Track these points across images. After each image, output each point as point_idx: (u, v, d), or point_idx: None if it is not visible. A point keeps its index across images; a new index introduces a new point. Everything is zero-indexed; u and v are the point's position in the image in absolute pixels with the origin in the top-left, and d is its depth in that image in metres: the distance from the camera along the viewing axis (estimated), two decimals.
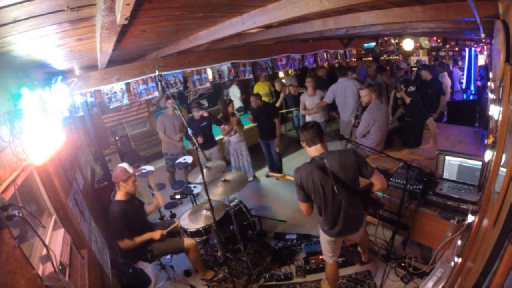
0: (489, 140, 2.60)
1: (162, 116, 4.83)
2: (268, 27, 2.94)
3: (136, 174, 2.84)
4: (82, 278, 1.97)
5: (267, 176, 5.35)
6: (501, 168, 1.34)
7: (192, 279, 3.21)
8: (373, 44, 9.92)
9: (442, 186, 2.63)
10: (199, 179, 2.65)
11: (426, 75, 5.28)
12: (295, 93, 6.38)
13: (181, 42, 2.93)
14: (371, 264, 2.97)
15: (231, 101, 4.81)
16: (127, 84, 3.92)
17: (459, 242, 2.12)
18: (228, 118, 4.70)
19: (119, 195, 2.75)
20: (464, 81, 8.03)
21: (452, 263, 1.95)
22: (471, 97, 7.33)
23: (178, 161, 4.21)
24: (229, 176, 2.95)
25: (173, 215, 3.57)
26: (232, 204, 3.59)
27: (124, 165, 2.77)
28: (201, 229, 3.08)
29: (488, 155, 2.01)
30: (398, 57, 9.98)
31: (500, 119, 1.70)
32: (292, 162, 5.77)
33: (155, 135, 4.99)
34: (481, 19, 1.85)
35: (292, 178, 2.20)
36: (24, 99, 1.78)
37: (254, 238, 3.55)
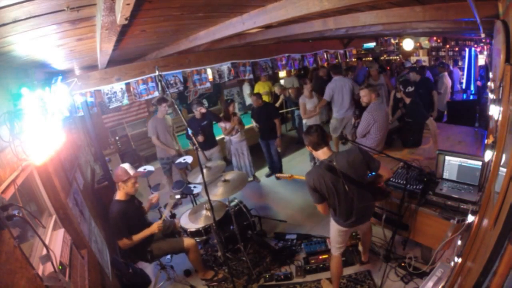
0: (489, 140, 2.59)
1: (153, 119, 4.63)
2: (268, 27, 2.94)
3: (137, 176, 2.82)
4: (82, 278, 1.97)
5: (268, 175, 5.39)
6: (501, 168, 1.34)
7: (192, 279, 3.21)
8: (373, 44, 9.92)
9: (442, 186, 2.63)
10: (199, 179, 2.65)
11: (414, 76, 5.35)
12: (295, 97, 6.39)
13: (181, 42, 2.93)
14: (371, 264, 2.97)
15: (232, 100, 4.80)
16: (127, 84, 3.92)
17: (459, 242, 2.12)
18: (229, 118, 4.70)
19: (119, 195, 2.75)
20: (464, 81, 8.04)
21: (452, 263, 1.95)
22: (471, 97, 7.33)
23: (178, 161, 4.21)
24: (229, 176, 2.95)
25: (173, 215, 3.57)
26: (232, 204, 3.58)
27: (126, 166, 2.76)
28: (201, 229, 3.08)
29: (488, 155, 2.01)
30: (398, 57, 10.00)
31: (500, 119, 1.70)
32: (292, 162, 5.77)
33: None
34: (481, 19, 1.85)
35: (301, 177, 2.28)
36: (24, 99, 1.78)
37: (254, 238, 3.55)
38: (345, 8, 1.81)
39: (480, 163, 2.50)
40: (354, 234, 3.17)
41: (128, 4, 0.96)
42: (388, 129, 3.75)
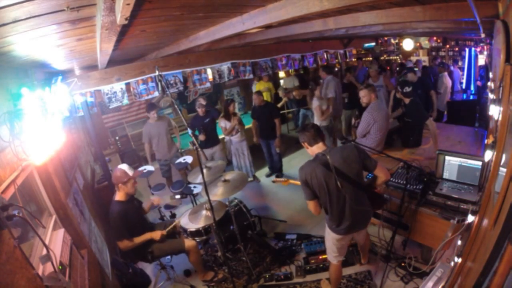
0: (489, 140, 2.59)
1: (146, 125, 4.69)
2: (268, 27, 2.94)
3: (136, 176, 2.83)
4: (82, 278, 1.97)
5: (268, 175, 5.39)
6: (501, 168, 1.34)
7: (192, 279, 3.21)
8: (373, 44, 9.92)
9: (442, 186, 2.63)
10: (199, 179, 2.65)
11: (412, 77, 5.34)
12: (299, 97, 6.39)
13: (181, 42, 2.93)
14: (371, 264, 2.97)
15: (232, 100, 4.80)
16: (127, 84, 3.92)
17: (459, 242, 2.12)
18: (230, 117, 4.70)
19: (119, 196, 2.75)
20: (464, 81, 8.04)
21: (452, 263, 1.95)
22: (471, 97, 7.34)
23: (177, 161, 4.21)
24: (229, 176, 2.95)
25: (173, 215, 3.58)
26: (232, 204, 3.58)
27: (124, 167, 2.76)
28: (201, 229, 3.08)
29: (488, 155, 2.01)
30: (398, 57, 10.00)
31: (500, 119, 1.70)
32: (292, 162, 5.77)
33: None
34: (481, 19, 1.85)
35: (297, 182, 2.23)
36: (24, 99, 1.78)
37: (254, 238, 3.55)
38: (345, 8, 1.81)
39: (480, 163, 2.50)
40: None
41: (128, 4, 0.96)
42: (388, 129, 3.75)
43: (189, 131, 2.18)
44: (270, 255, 3.34)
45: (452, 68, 7.27)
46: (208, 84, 4.69)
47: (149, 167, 3.84)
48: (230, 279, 2.76)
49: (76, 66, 3.31)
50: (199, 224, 2.85)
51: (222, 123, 4.78)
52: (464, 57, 8.31)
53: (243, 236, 3.36)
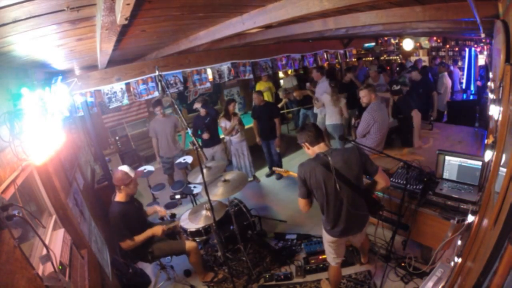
0: (489, 140, 2.59)
1: (153, 121, 4.79)
2: (268, 27, 2.94)
3: (138, 176, 2.84)
4: (82, 278, 1.97)
5: (268, 175, 5.39)
6: (501, 168, 1.34)
7: (192, 279, 3.21)
8: (373, 44, 9.93)
9: (442, 186, 2.63)
10: (199, 179, 2.65)
11: (416, 76, 5.35)
12: (300, 98, 6.40)
13: (181, 42, 2.93)
14: (371, 264, 2.97)
15: (232, 100, 4.80)
16: (127, 84, 3.92)
17: (459, 242, 2.12)
18: (230, 117, 4.70)
19: (119, 197, 2.75)
20: (464, 81, 8.04)
21: (452, 263, 1.95)
22: (471, 97, 7.33)
23: (178, 161, 4.21)
24: (229, 176, 2.94)
25: (173, 215, 3.57)
26: (232, 204, 3.58)
27: (125, 168, 2.75)
28: (201, 229, 3.08)
29: (488, 155, 2.01)
30: (398, 57, 10.00)
31: (500, 119, 1.70)
32: (292, 162, 5.77)
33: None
34: (481, 19, 1.85)
35: (296, 175, 2.21)
36: (24, 99, 1.78)
37: (254, 238, 3.55)
38: (345, 8, 1.81)
39: (480, 163, 2.50)
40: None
41: (128, 4, 0.96)
42: (388, 129, 3.75)
43: (189, 131, 2.18)
44: (270, 255, 3.34)
45: (452, 68, 7.27)
46: (208, 84, 4.69)
47: (149, 167, 3.84)
48: (230, 279, 2.76)
49: (76, 66, 3.31)
50: (199, 224, 2.84)
51: (222, 123, 4.78)
52: (464, 57, 8.31)
53: (243, 236, 3.35)
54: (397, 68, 8.19)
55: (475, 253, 1.49)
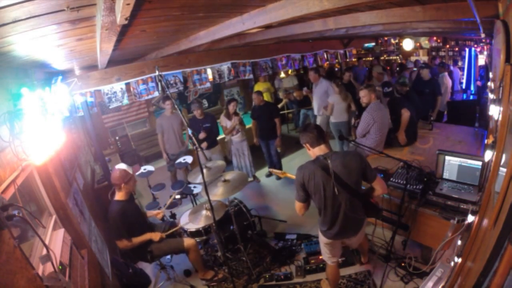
0: (489, 140, 2.60)
1: (160, 117, 4.84)
2: (268, 27, 2.94)
3: (136, 173, 2.85)
4: (82, 278, 1.97)
5: (268, 175, 5.39)
6: (501, 168, 1.34)
7: (192, 279, 3.21)
8: (372, 44, 9.94)
9: (442, 186, 2.63)
10: (199, 179, 2.65)
11: (425, 74, 5.28)
12: (300, 98, 6.39)
13: (181, 42, 2.93)
14: (371, 264, 2.97)
15: (233, 100, 4.79)
16: (127, 84, 3.93)
17: (459, 242, 2.12)
18: (230, 117, 4.69)
19: (119, 195, 2.75)
20: (464, 81, 8.04)
21: (452, 263, 1.95)
22: (471, 97, 7.33)
23: (178, 161, 4.22)
24: (229, 176, 2.95)
25: (173, 215, 3.58)
26: (232, 204, 3.58)
27: (123, 166, 2.76)
28: (201, 229, 3.08)
29: (488, 155, 2.01)
30: (397, 57, 10.01)
31: (500, 119, 1.70)
32: (292, 162, 5.77)
33: (155, 135, 5.00)
34: (481, 19, 1.85)
35: (293, 176, 2.19)
36: (24, 99, 1.78)
37: (254, 238, 3.55)
38: (345, 8, 1.81)
39: (480, 163, 2.49)
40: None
41: (128, 4, 0.96)
42: (388, 129, 3.75)
43: (189, 131, 2.18)
44: (270, 255, 3.34)
45: (452, 68, 7.27)
46: (208, 84, 4.70)
47: (149, 167, 3.84)
48: (230, 279, 2.76)
49: (76, 66, 3.31)
50: (199, 224, 2.84)
51: (223, 122, 4.78)
52: (464, 57, 8.31)
53: (243, 236, 3.36)
54: (397, 68, 8.19)
55: (475, 253, 1.49)
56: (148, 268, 3.34)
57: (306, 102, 6.44)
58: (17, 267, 1.32)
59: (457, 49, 9.01)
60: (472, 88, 7.84)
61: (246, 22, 2.03)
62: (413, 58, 9.48)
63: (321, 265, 3.03)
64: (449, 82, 6.11)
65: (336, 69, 8.59)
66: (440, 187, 2.61)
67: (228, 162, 5.28)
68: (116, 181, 2.70)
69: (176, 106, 2.94)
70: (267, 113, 4.80)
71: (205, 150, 4.70)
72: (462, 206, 2.36)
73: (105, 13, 1.09)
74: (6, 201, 1.38)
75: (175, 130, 4.75)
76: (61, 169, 2.58)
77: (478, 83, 7.19)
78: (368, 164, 2.11)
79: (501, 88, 1.59)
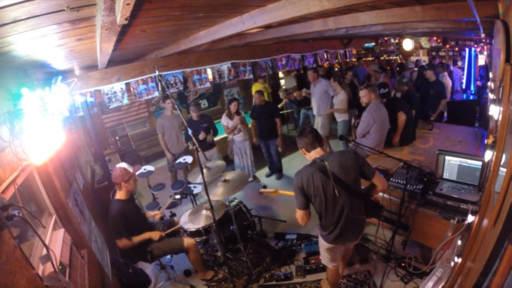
0: (489, 140, 2.60)
1: (161, 118, 4.83)
2: (268, 27, 2.94)
3: (136, 172, 2.85)
4: (82, 278, 1.97)
5: (268, 175, 5.39)
6: (501, 168, 1.34)
7: (192, 279, 3.21)
8: (372, 43, 9.94)
9: (442, 186, 2.63)
10: (199, 179, 2.65)
11: (430, 75, 5.23)
12: (300, 98, 6.39)
13: (181, 42, 2.93)
14: (371, 264, 2.97)
15: (234, 99, 4.79)
16: (127, 84, 3.93)
17: (459, 242, 2.12)
18: (231, 116, 4.69)
19: (120, 194, 2.75)
20: (464, 81, 8.03)
21: (452, 263, 1.95)
22: (471, 97, 7.33)
23: (178, 161, 4.22)
24: (229, 176, 2.94)
25: (173, 215, 3.58)
26: (232, 204, 3.58)
27: (124, 165, 2.78)
28: (201, 229, 3.08)
29: (488, 155, 2.01)
30: (398, 57, 10.01)
31: (500, 119, 1.70)
32: (292, 162, 5.77)
33: (155, 135, 5.00)
34: (481, 19, 1.85)
35: (287, 193, 2.15)
36: (24, 99, 1.78)
37: (254, 238, 3.55)
38: (345, 8, 1.81)
39: (480, 163, 2.49)
40: None
41: (128, 4, 0.96)
42: (388, 129, 3.74)
43: (189, 131, 2.18)
44: (270, 255, 3.34)
45: (452, 68, 7.26)
46: (208, 84, 4.70)
47: (149, 167, 3.84)
48: (230, 279, 2.76)
49: (76, 66, 3.31)
50: (199, 224, 2.84)
51: (224, 122, 4.78)
52: (464, 57, 8.30)
53: (243, 236, 3.36)
54: (397, 68, 8.19)
55: (475, 253, 1.49)
56: (148, 268, 3.34)
57: (306, 102, 6.45)
58: (17, 267, 1.32)
59: (457, 49, 9.01)
60: (472, 88, 7.84)
61: (246, 22, 2.04)
62: (413, 58, 9.48)
63: (321, 265, 3.02)
64: (449, 82, 6.12)
65: (336, 69, 8.59)
66: (440, 187, 2.61)
67: (228, 162, 5.28)
68: (116, 179, 2.71)
69: (176, 106, 2.95)
70: (267, 112, 4.79)
71: (203, 151, 4.70)
72: (462, 206, 2.36)
73: (105, 13, 1.09)
74: (6, 201, 1.38)
75: (176, 130, 4.75)
76: (61, 169, 2.58)
77: (478, 83, 7.19)
78: (365, 161, 2.09)
79: (501, 88, 1.59)
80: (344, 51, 6.73)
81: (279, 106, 6.93)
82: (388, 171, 3.03)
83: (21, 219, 1.39)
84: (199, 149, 2.18)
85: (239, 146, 4.93)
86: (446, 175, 2.72)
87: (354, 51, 7.51)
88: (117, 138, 6.67)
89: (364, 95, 3.55)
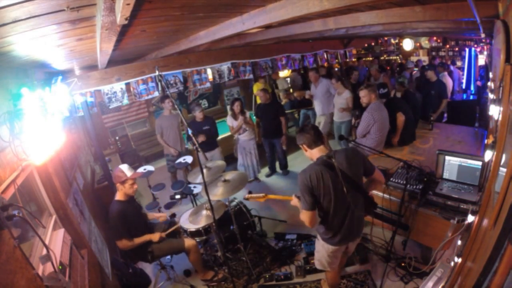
0: (489, 140, 2.60)
1: (159, 118, 4.82)
2: (268, 27, 2.94)
3: (135, 177, 2.80)
4: (82, 278, 1.97)
5: (268, 175, 5.39)
6: (501, 168, 1.34)
7: (192, 279, 3.21)
8: (372, 43, 9.95)
9: (442, 186, 2.63)
10: (199, 179, 2.65)
11: (431, 75, 5.23)
12: (300, 98, 6.39)
13: (181, 42, 2.93)
14: (371, 264, 2.97)
15: (237, 99, 4.77)
16: (127, 84, 3.92)
17: (459, 242, 2.12)
18: (235, 116, 4.68)
19: (118, 195, 2.75)
20: (464, 81, 8.04)
21: (452, 263, 1.95)
22: (471, 97, 7.33)
23: (178, 161, 4.21)
24: (229, 176, 2.94)
25: (173, 215, 3.58)
26: (232, 204, 3.58)
27: (124, 167, 2.75)
28: (201, 229, 3.08)
29: (488, 155, 2.00)
30: (398, 57, 10.01)
31: (500, 119, 1.70)
32: (294, 161, 5.75)
33: (155, 135, 4.99)
34: (481, 19, 1.85)
35: (278, 197, 2.14)
36: (24, 99, 1.78)
37: (254, 238, 3.55)
38: (345, 8, 1.81)
39: (480, 163, 2.49)
40: None
41: (128, 4, 0.96)
42: (388, 129, 3.74)
43: (189, 131, 2.18)
44: (270, 255, 3.34)
45: (452, 68, 7.26)
46: (208, 84, 4.70)
47: (149, 167, 3.84)
48: (230, 279, 2.76)
49: (76, 66, 3.31)
50: (199, 224, 2.85)
51: (229, 122, 4.78)
52: (464, 57, 8.30)
53: (243, 236, 3.35)
54: (397, 68, 8.19)
55: (475, 253, 1.49)
56: (148, 268, 3.34)
57: (306, 102, 6.45)
58: (17, 267, 1.32)
59: (457, 49, 9.02)
60: (472, 88, 7.84)
61: (246, 22, 2.04)
62: (413, 58, 9.48)
63: None
64: (449, 81, 6.12)
65: (336, 69, 8.59)
66: (440, 187, 2.61)
67: (234, 160, 5.28)
68: (114, 180, 2.73)
69: (176, 106, 2.95)
70: (272, 111, 4.79)
71: (205, 152, 4.69)
72: (462, 206, 2.36)
73: (105, 13, 1.09)
74: (6, 201, 1.38)
75: (175, 130, 4.73)
76: (61, 169, 2.58)
77: (478, 83, 7.19)
78: (366, 158, 2.14)
79: (501, 88, 1.59)
80: (344, 51, 6.73)
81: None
82: (388, 171, 3.03)
83: (21, 219, 1.39)
84: (199, 149, 2.18)
85: (244, 145, 4.92)
86: (446, 175, 2.72)
87: (354, 51, 7.51)
88: (117, 138, 6.67)
89: (364, 95, 3.55)
